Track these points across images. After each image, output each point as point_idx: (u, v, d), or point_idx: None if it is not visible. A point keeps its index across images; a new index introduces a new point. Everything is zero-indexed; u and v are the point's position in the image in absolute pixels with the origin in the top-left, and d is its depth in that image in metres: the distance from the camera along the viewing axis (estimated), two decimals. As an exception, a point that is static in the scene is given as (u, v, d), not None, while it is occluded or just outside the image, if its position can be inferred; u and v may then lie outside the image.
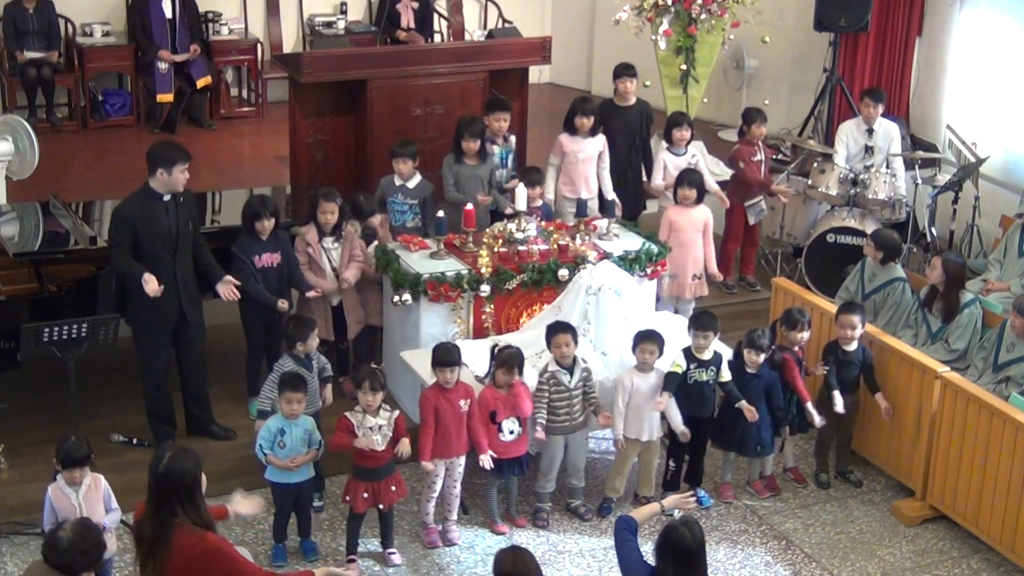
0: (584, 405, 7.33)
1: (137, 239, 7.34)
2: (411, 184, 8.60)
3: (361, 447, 6.71)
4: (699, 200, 8.96)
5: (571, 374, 7.25)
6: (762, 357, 7.50)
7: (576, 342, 7.25)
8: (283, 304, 7.87)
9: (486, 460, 7.04)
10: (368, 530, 7.11)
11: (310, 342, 7.20)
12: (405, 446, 6.84)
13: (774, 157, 10.49)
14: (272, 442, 6.76)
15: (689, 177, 8.96)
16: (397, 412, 6.87)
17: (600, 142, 9.34)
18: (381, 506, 6.88)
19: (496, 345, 7.30)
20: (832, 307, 8.26)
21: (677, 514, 6.23)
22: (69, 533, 5.25)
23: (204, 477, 5.18)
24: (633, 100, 9.73)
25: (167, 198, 7.38)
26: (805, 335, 7.74)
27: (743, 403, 7.43)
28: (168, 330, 7.60)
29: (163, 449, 5.09)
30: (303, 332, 7.20)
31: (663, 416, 7.47)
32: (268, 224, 7.80)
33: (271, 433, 6.77)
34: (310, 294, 7.99)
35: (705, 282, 9.11)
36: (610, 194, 9.19)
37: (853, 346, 7.75)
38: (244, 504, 5.76)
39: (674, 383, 7.35)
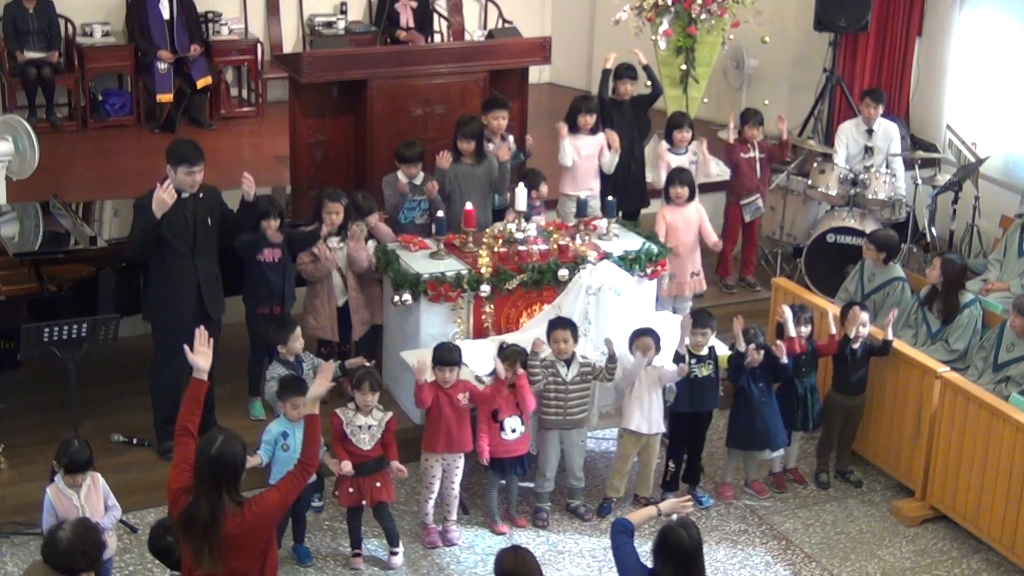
0: (580, 404, 7.33)
1: (160, 233, 7.33)
2: (419, 181, 8.60)
3: (335, 471, 6.80)
4: (691, 198, 9.00)
5: (568, 367, 7.25)
6: (760, 354, 7.51)
7: (576, 340, 7.26)
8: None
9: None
10: (368, 530, 7.11)
11: (291, 343, 7.17)
12: (400, 472, 6.88)
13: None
14: (275, 446, 6.72)
15: (680, 176, 9.00)
16: (390, 414, 6.87)
17: (601, 139, 9.37)
18: (365, 502, 6.88)
19: (504, 344, 7.32)
20: (831, 306, 8.27)
21: (674, 516, 6.23)
22: (68, 533, 5.26)
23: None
24: (629, 98, 9.76)
25: (186, 194, 7.38)
26: (804, 329, 7.71)
27: (750, 348, 7.46)
28: (186, 328, 7.57)
29: (213, 434, 5.14)
30: (283, 335, 7.17)
31: (665, 413, 7.48)
32: (274, 224, 7.81)
33: (273, 437, 6.73)
34: (321, 254, 8.01)
35: (703, 278, 9.14)
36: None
37: (858, 345, 7.75)
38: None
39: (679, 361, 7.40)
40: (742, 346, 7.46)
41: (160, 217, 7.23)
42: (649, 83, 9.95)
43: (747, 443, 7.69)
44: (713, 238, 9.17)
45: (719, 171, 9.93)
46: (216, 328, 7.76)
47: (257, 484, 6.98)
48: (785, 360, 7.55)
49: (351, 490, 6.85)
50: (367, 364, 7.12)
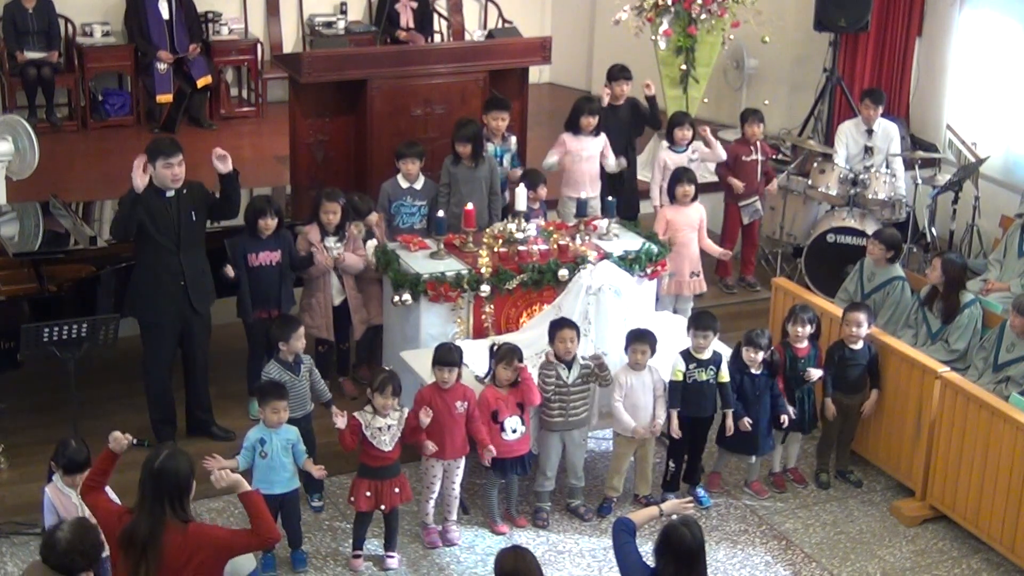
0: (582, 404, 7.33)
1: (145, 228, 7.34)
2: (418, 185, 8.60)
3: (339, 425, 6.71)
4: (695, 198, 9.02)
5: (569, 369, 7.25)
6: (761, 355, 7.50)
7: (579, 340, 7.26)
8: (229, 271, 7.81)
9: (488, 454, 7.02)
10: (368, 529, 7.09)
11: (293, 343, 7.13)
12: (428, 413, 6.82)
13: (774, 157, 10.50)
14: (253, 453, 6.65)
15: (687, 175, 9.01)
16: (407, 410, 6.86)
17: (602, 141, 9.37)
18: (383, 507, 6.88)
19: (495, 344, 7.31)
20: (831, 306, 8.28)
21: (675, 516, 6.23)
22: (67, 533, 5.25)
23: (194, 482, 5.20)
24: (623, 99, 9.76)
25: (170, 194, 7.38)
26: (801, 330, 7.72)
27: (730, 412, 7.47)
28: (175, 326, 7.60)
29: (159, 449, 5.12)
30: (285, 332, 7.14)
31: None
32: (271, 223, 7.80)
33: (251, 443, 6.65)
34: (316, 260, 8.01)
35: (703, 279, 9.14)
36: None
37: (859, 345, 7.76)
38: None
39: (677, 393, 7.38)
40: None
41: (141, 191, 7.27)
42: (648, 105, 9.86)
43: (735, 447, 7.69)
44: (716, 249, 9.18)
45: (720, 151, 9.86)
46: (204, 322, 7.76)
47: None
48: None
49: (368, 494, 6.81)
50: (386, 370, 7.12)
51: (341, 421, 6.72)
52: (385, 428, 6.75)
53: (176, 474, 5.03)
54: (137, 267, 7.55)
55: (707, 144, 9.61)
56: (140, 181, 7.26)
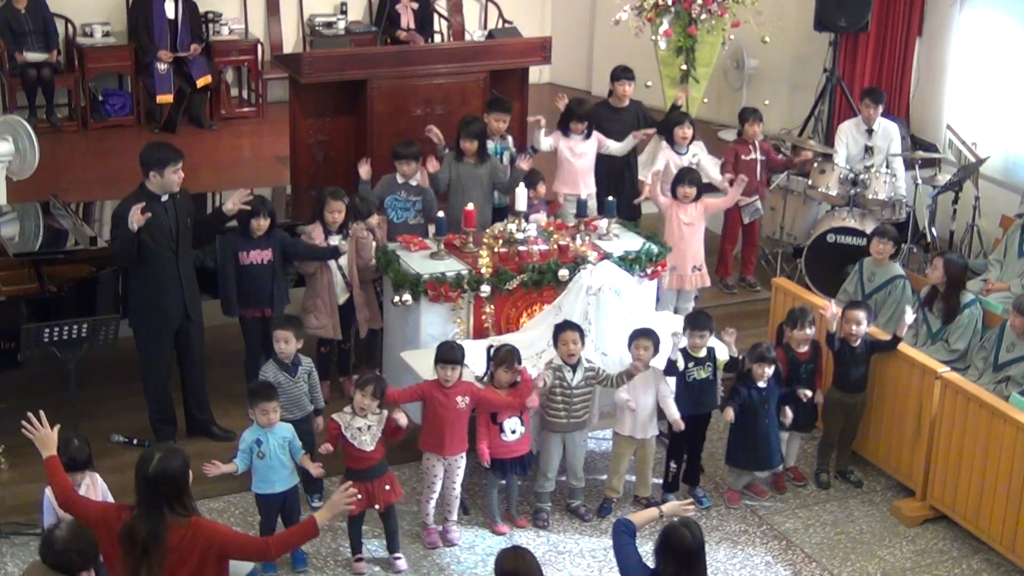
0: (584, 406, 7.33)
1: (143, 240, 7.34)
2: (414, 181, 8.61)
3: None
4: (696, 198, 9.03)
5: (574, 372, 7.25)
6: (771, 369, 7.48)
7: (583, 343, 7.25)
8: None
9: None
10: (368, 530, 7.10)
11: (281, 344, 7.07)
12: (403, 417, 6.78)
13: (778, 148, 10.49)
14: (251, 455, 6.65)
15: (689, 176, 9.02)
16: (386, 412, 6.85)
17: (594, 142, 9.38)
18: (377, 506, 6.87)
19: (492, 346, 7.30)
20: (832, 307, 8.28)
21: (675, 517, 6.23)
22: (64, 533, 5.26)
23: (191, 474, 5.17)
24: (627, 101, 9.76)
25: (165, 198, 7.39)
26: (810, 331, 7.73)
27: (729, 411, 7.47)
28: (171, 330, 7.61)
29: (149, 451, 5.08)
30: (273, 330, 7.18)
31: (660, 415, 7.49)
32: (263, 223, 7.79)
33: (248, 445, 6.64)
34: (307, 235, 8.05)
35: (705, 273, 9.15)
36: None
37: (858, 343, 7.75)
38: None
39: (673, 374, 7.39)
40: (735, 351, 7.48)
41: (137, 229, 7.21)
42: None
43: (747, 464, 7.67)
44: (720, 177, 9.26)
45: (718, 172, 9.88)
46: (198, 324, 7.77)
47: (241, 487, 7.03)
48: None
49: (359, 496, 6.79)
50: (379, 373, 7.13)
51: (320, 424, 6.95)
52: (365, 428, 6.73)
53: (171, 476, 4.98)
54: (137, 275, 7.50)
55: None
56: (141, 220, 7.22)
